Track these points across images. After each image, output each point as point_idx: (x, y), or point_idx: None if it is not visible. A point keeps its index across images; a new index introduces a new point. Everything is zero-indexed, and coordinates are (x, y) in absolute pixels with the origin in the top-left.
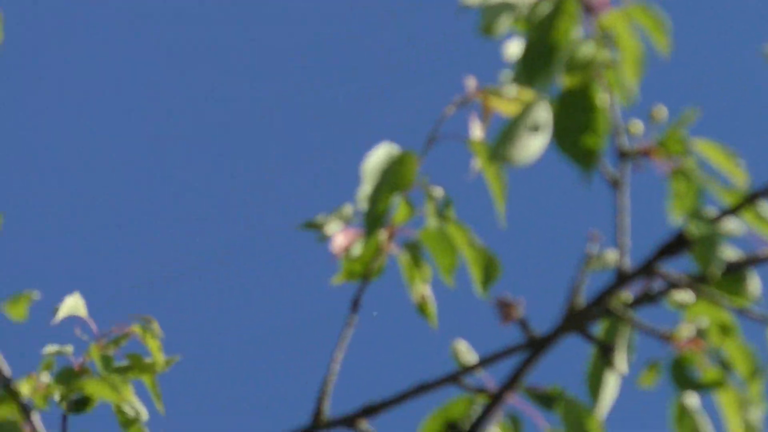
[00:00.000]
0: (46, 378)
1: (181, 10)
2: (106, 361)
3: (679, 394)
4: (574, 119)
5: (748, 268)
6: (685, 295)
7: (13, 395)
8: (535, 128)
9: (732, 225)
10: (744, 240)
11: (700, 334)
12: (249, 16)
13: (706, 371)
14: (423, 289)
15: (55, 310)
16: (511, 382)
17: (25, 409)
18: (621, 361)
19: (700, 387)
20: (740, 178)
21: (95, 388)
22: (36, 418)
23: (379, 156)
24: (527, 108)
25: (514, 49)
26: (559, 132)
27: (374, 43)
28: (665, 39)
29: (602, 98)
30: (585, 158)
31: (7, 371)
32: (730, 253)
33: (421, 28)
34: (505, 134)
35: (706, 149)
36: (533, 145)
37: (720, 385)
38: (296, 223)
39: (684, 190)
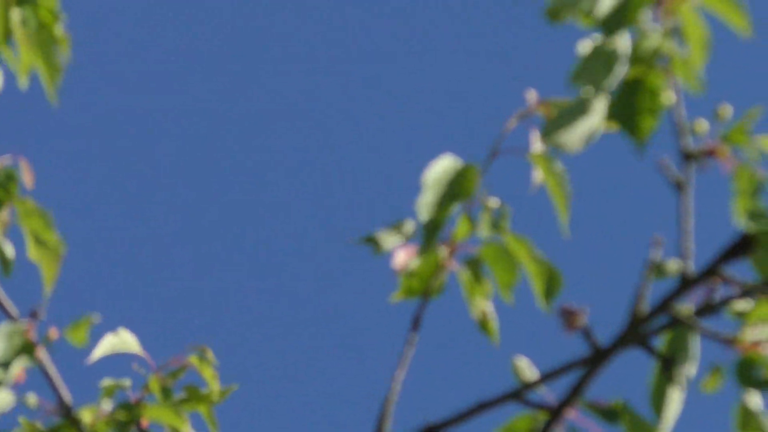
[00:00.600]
0: (107, 406)
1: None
2: (167, 393)
3: (742, 396)
4: (633, 101)
5: None
6: (746, 305)
7: (75, 423)
8: (589, 115)
9: None
10: None
11: (765, 336)
12: (294, 27)
13: None
14: (484, 306)
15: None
16: (574, 392)
17: None
18: (682, 374)
19: (764, 384)
20: None
21: (156, 413)
22: None
23: (441, 167)
24: (584, 98)
25: (585, 48)
26: (616, 110)
27: (438, 55)
28: (744, 21)
29: (662, 84)
30: (640, 132)
31: (68, 399)
32: None
33: (484, 41)
34: (558, 119)
35: None
36: (585, 132)
37: None
38: (355, 239)
39: (747, 187)
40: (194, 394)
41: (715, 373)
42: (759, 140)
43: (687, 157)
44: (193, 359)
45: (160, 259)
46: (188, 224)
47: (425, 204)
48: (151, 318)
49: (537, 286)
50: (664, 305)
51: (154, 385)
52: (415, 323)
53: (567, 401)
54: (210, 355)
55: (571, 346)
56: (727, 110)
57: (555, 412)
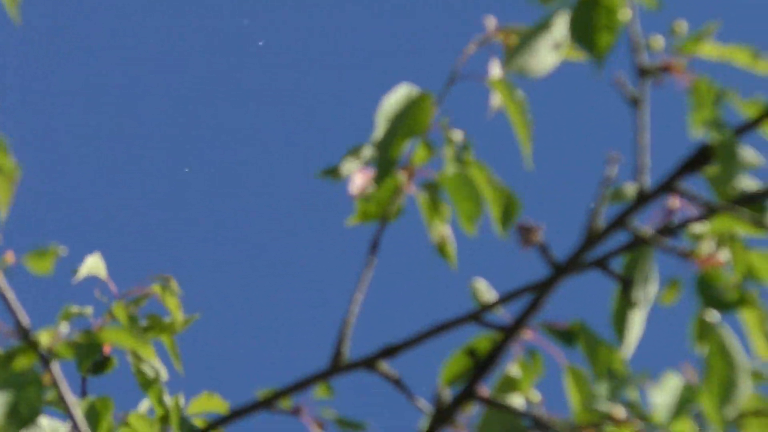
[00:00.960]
0: (65, 328)
1: None
2: (132, 319)
3: (700, 311)
4: (590, 18)
5: (767, 199)
6: (703, 227)
7: (33, 346)
8: (553, 40)
9: (749, 155)
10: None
11: (721, 246)
12: None
13: (731, 289)
14: (442, 230)
15: (74, 270)
16: (530, 309)
17: (44, 360)
18: (642, 296)
19: (726, 305)
20: (765, 70)
21: (116, 337)
22: (56, 368)
23: (395, 99)
24: (546, 21)
25: None
26: (573, 27)
27: None
28: None
29: (618, 1)
30: (597, 49)
31: (26, 322)
32: (749, 183)
33: None
34: (521, 44)
35: (727, 52)
36: (549, 57)
37: (745, 303)
38: (316, 167)
39: (703, 98)
40: (156, 322)
41: (673, 286)
42: (715, 48)
43: (643, 73)
44: (156, 288)
45: (124, 189)
46: (152, 156)
47: (378, 139)
48: (114, 247)
49: (494, 212)
50: (620, 221)
51: (119, 310)
52: (374, 247)
53: (523, 319)
54: (173, 284)
55: (529, 269)
56: (682, 26)
57: (511, 331)
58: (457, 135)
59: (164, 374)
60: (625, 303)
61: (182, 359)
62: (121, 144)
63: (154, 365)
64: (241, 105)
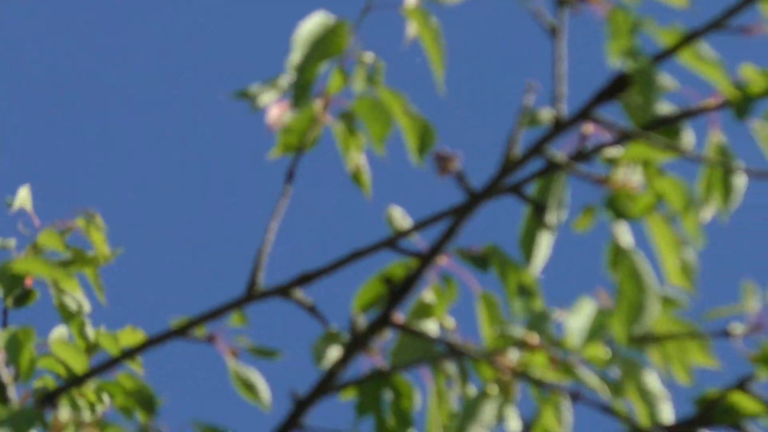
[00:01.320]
0: None
1: None
2: (66, 246)
3: (614, 235)
4: None
5: (681, 122)
6: (617, 151)
7: None
8: None
9: (665, 80)
10: (677, 96)
11: (634, 172)
12: None
13: (639, 199)
14: (357, 159)
15: (8, 203)
16: (446, 237)
17: None
18: (553, 219)
19: (634, 215)
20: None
21: (34, 267)
22: None
23: (311, 25)
24: None
25: None
26: None
27: None
28: None
29: None
30: None
31: None
32: (664, 107)
33: None
34: None
35: None
36: None
37: (652, 211)
38: (229, 93)
39: (620, 27)
40: (79, 256)
41: (587, 213)
42: None
43: (560, 2)
44: (79, 222)
45: (45, 125)
46: (75, 89)
47: (294, 62)
48: (35, 182)
49: (410, 141)
50: (536, 149)
51: (50, 238)
52: (289, 176)
53: (439, 246)
54: (98, 219)
55: (446, 197)
56: None
57: (427, 258)
58: (368, 57)
59: (87, 307)
60: (536, 225)
61: (106, 293)
62: (44, 81)
63: (76, 297)
64: (156, 42)
